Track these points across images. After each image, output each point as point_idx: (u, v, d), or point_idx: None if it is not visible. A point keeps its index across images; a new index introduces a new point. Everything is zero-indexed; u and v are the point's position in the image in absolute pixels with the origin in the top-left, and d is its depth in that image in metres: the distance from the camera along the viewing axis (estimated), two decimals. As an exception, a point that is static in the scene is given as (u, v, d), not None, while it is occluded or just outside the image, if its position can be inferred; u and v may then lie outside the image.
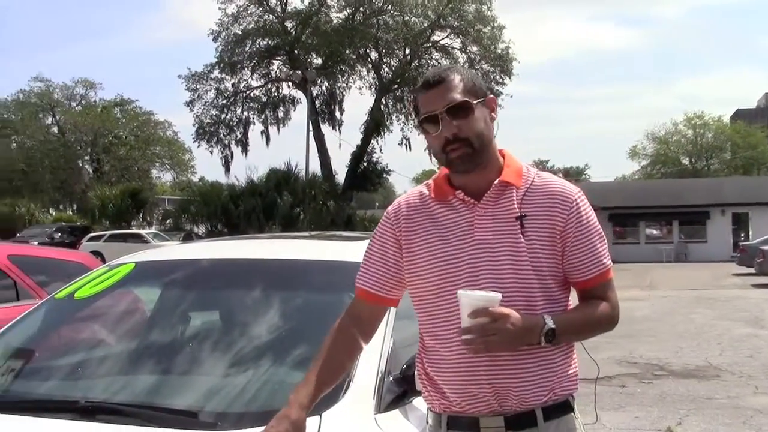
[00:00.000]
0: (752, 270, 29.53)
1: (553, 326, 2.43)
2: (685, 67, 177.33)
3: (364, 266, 2.75)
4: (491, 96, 2.63)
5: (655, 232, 52.54)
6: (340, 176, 50.34)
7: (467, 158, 2.52)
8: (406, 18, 48.30)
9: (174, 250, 5.14)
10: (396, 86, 51.05)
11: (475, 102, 2.54)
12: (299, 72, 46.71)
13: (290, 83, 50.88)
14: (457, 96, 2.51)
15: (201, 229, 44.13)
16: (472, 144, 2.51)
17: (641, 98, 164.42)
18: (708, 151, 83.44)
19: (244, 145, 52.20)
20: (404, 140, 51.59)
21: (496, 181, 2.56)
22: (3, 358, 3.67)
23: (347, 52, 49.04)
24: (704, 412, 8.59)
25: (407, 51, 49.92)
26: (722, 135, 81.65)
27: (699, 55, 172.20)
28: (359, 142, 50.21)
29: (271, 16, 49.75)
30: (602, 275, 2.58)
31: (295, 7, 49.58)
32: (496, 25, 48.49)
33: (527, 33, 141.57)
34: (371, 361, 3.00)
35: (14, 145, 71.36)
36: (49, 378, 3.56)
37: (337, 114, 52.00)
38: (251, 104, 52.62)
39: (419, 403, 2.92)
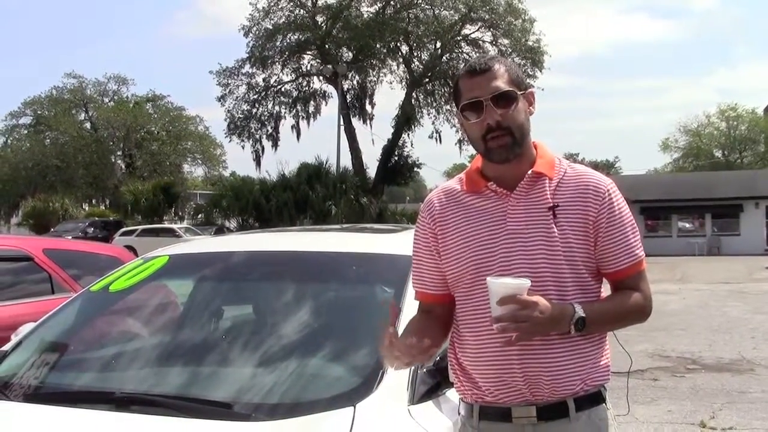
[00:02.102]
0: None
1: (584, 315, 2.43)
2: (719, 59, 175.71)
3: (415, 269, 2.77)
4: (531, 90, 2.65)
5: (687, 225, 52.13)
6: (371, 170, 50.36)
7: (507, 147, 2.54)
8: (437, 11, 48.20)
9: (207, 243, 5.19)
10: (427, 80, 50.94)
11: (518, 93, 2.56)
12: (330, 66, 46.75)
13: (321, 78, 50.93)
14: (503, 85, 2.53)
15: (232, 224, 44.21)
16: (513, 133, 2.53)
17: (674, 91, 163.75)
18: (741, 144, 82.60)
19: (275, 139, 52.30)
20: (435, 133, 51.57)
21: (529, 172, 2.57)
22: (39, 350, 3.71)
23: (378, 46, 48.96)
24: (738, 406, 8.52)
25: (438, 45, 49.75)
26: (756, 127, 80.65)
27: (734, 46, 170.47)
28: (390, 136, 50.21)
29: (301, 10, 49.75)
30: (635, 266, 2.58)
31: (325, 2, 49.57)
32: (527, 17, 48.21)
33: (559, 26, 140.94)
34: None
35: (48, 141, 71.92)
36: (85, 369, 3.59)
37: (368, 108, 52.03)
38: (282, 99, 52.70)
39: (452, 394, 2.93)
